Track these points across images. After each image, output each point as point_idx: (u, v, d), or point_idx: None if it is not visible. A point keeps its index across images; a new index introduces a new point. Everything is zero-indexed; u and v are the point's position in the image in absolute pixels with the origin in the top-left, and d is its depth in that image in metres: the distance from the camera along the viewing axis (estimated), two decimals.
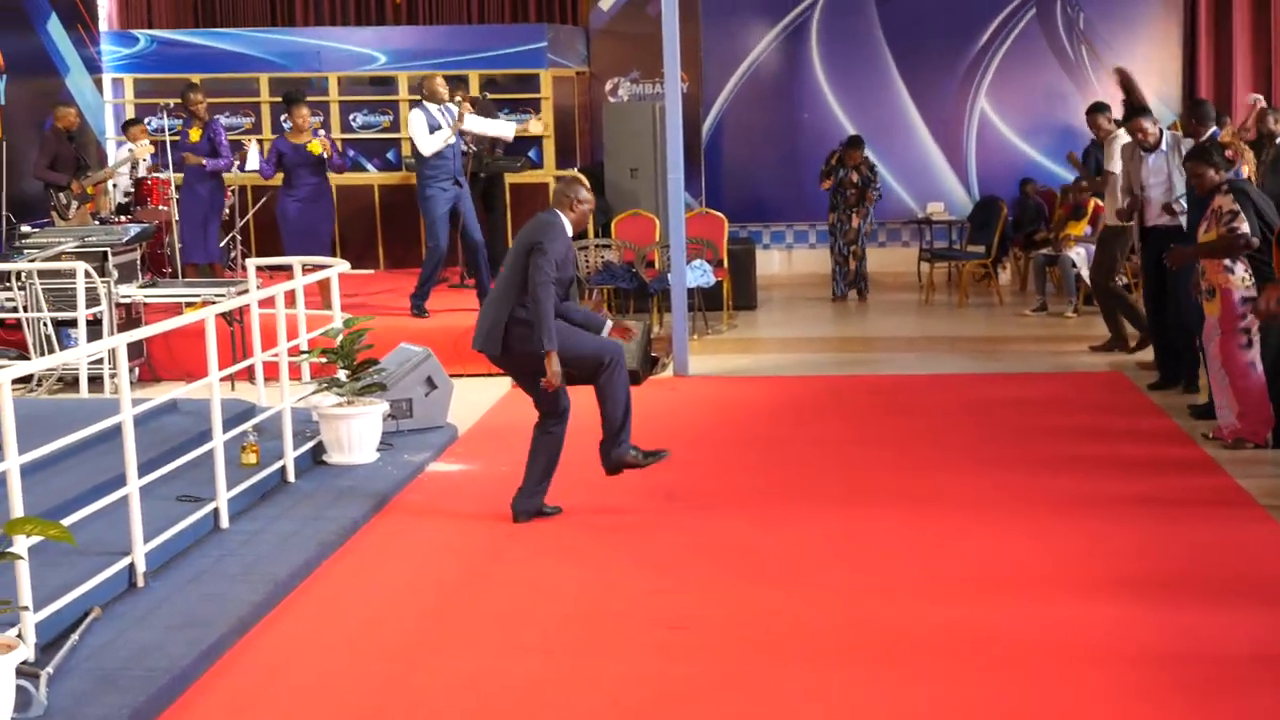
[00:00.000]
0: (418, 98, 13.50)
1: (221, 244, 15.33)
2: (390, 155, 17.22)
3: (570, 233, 8.12)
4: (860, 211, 16.40)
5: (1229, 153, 10.49)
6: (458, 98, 13.77)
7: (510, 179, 16.29)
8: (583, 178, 8.51)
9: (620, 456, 8.21)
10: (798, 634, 6.46)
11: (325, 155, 13.33)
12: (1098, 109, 13.09)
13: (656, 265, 14.90)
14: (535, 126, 14.12)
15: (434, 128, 13.08)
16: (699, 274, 13.92)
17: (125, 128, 16.06)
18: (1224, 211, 9.24)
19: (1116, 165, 12.53)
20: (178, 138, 14.34)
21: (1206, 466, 9.12)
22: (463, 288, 14.42)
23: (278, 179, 13.61)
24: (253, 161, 13.61)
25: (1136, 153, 11.63)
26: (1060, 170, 17.68)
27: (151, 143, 14.94)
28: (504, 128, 13.98)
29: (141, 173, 15.13)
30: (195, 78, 15.90)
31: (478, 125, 13.61)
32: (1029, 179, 17.56)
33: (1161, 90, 17.68)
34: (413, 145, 13.28)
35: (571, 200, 8.16)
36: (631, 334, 8.56)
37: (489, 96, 15.74)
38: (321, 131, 13.55)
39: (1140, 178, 11.52)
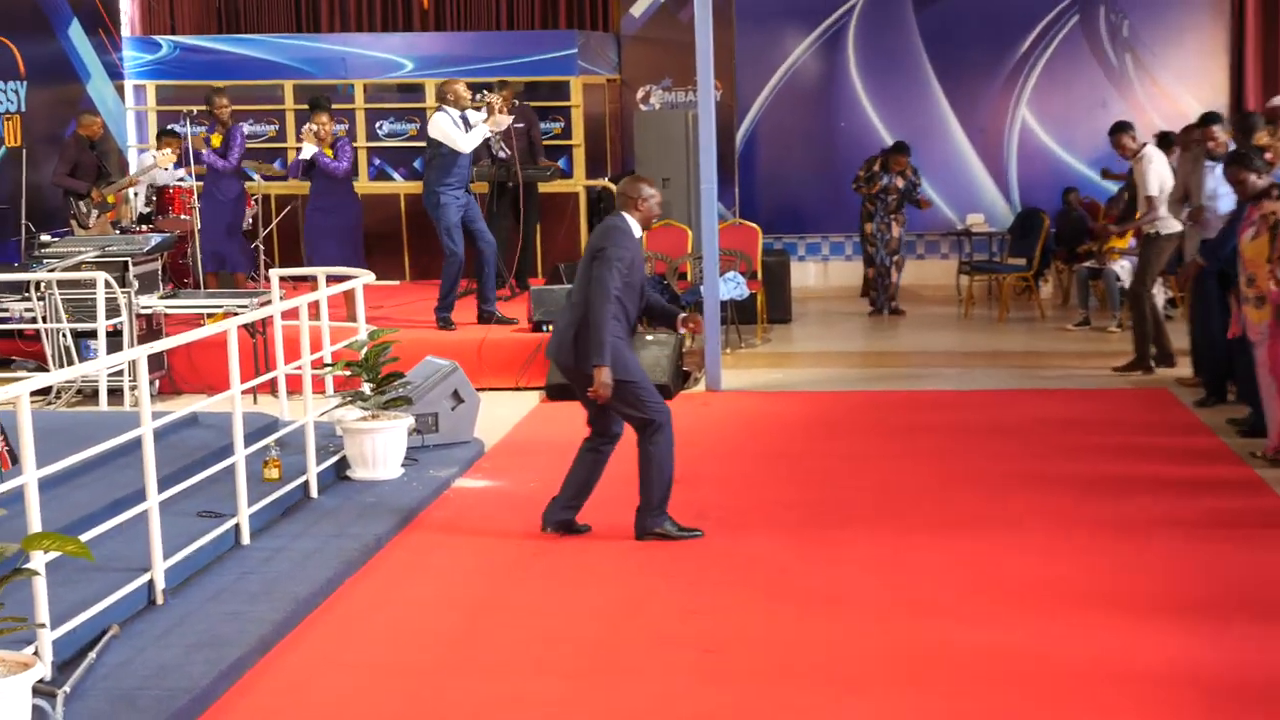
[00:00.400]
0: (439, 105, 13.46)
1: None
2: (417, 164, 17.23)
3: (638, 233, 8.11)
4: (899, 219, 16.36)
5: (1268, 155, 10.43)
6: (481, 95, 13.71)
7: (540, 189, 16.29)
8: (644, 176, 8.44)
9: (654, 527, 8.19)
10: (832, 657, 6.44)
11: (314, 153, 13.33)
12: (1121, 128, 12.95)
13: (689, 277, 14.89)
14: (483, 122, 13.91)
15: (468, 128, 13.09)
16: (732, 286, 13.90)
17: (159, 137, 16.11)
18: None
19: (1154, 187, 12.44)
20: (203, 146, 14.40)
21: (1255, 486, 9.07)
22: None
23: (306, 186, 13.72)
24: (307, 151, 13.58)
25: (1201, 162, 11.55)
26: (1101, 181, 17.58)
27: (175, 152, 14.96)
28: (503, 120, 13.92)
29: (164, 181, 15.19)
30: (219, 84, 15.96)
31: (478, 134, 13.54)
32: (1073, 188, 17.49)
33: (1208, 99, 17.57)
34: (433, 148, 13.22)
35: (635, 199, 8.11)
36: (701, 327, 8.50)
37: (519, 103, 15.75)
38: (314, 128, 13.50)
39: (1206, 188, 11.42)
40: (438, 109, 13.32)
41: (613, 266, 7.85)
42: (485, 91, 13.73)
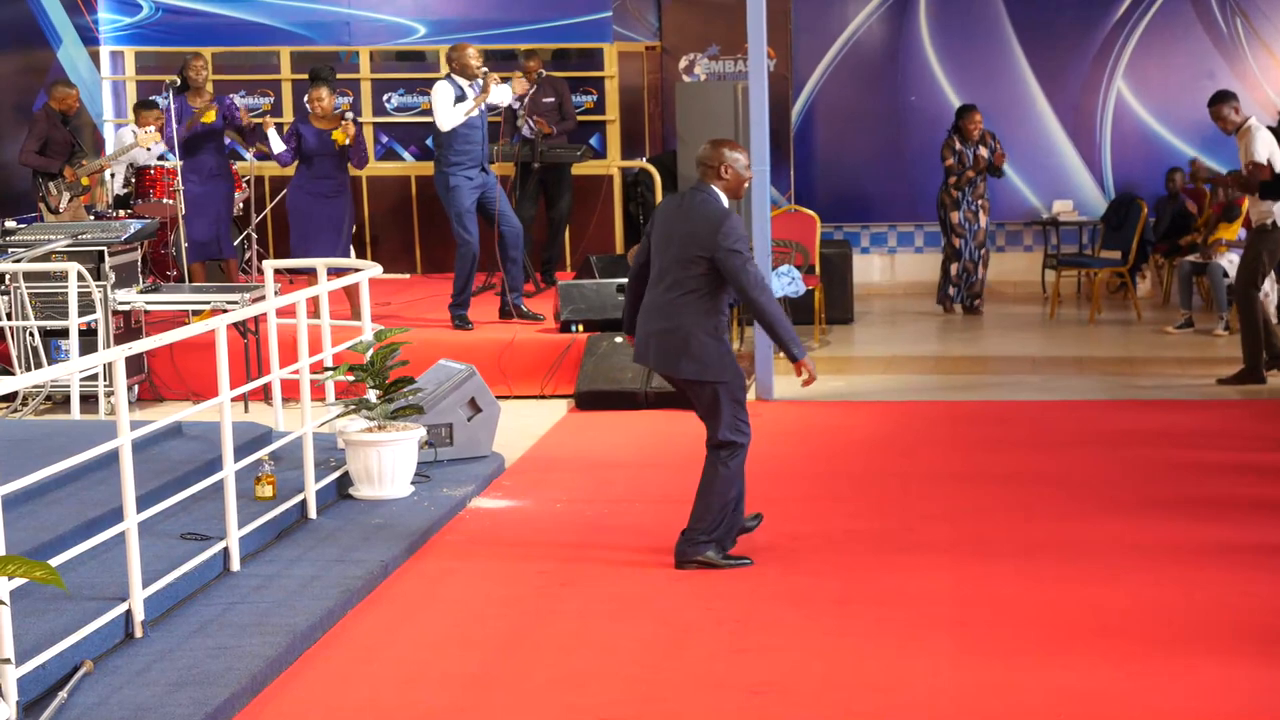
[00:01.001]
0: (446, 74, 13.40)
1: (235, 242, 15.42)
2: (429, 142, 17.30)
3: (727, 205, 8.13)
4: (985, 205, 16.28)
5: None
6: (483, 70, 13.63)
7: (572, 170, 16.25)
8: (726, 139, 8.39)
9: (696, 554, 8.17)
10: (899, 701, 6.43)
11: (348, 143, 13.35)
12: (1222, 98, 12.89)
13: None
14: (516, 87, 13.93)
15: (460, 102, 13.04)
16: (786, 282, 13.91)
17: (137, 110, 16.16)
18: None
19: (1263, 154, 12.42)
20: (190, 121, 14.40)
21: None
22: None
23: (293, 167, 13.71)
24: (275, 145, 13.64)
25: None
26: (1208, 164, 17.45)
27: (159, 129, 15.01)
28: (502, 93, 13.86)
29: (144, 161, 15.24)
30: (206, 51, 16.03)
31: (491, 96, 13.49)
32: (1177, 168, 17.38)
33: None
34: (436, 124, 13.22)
35: (718, 167, 8.06)
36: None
37: (546, 74, 15.76)
38: (350, 115, 13.53)
39: None
40: (445, 77, 13.29)
41: (747, 255, 7.91)
42: (505, 75, 13.66)
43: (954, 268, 16.58)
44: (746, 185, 8.30)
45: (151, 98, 16.25)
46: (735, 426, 8.10)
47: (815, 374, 8.08)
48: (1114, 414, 11.82)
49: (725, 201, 8.08)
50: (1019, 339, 15.21)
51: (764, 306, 7.94)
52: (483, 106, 13.14)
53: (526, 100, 14.55)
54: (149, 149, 15.13)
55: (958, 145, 16.32)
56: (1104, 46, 18.17)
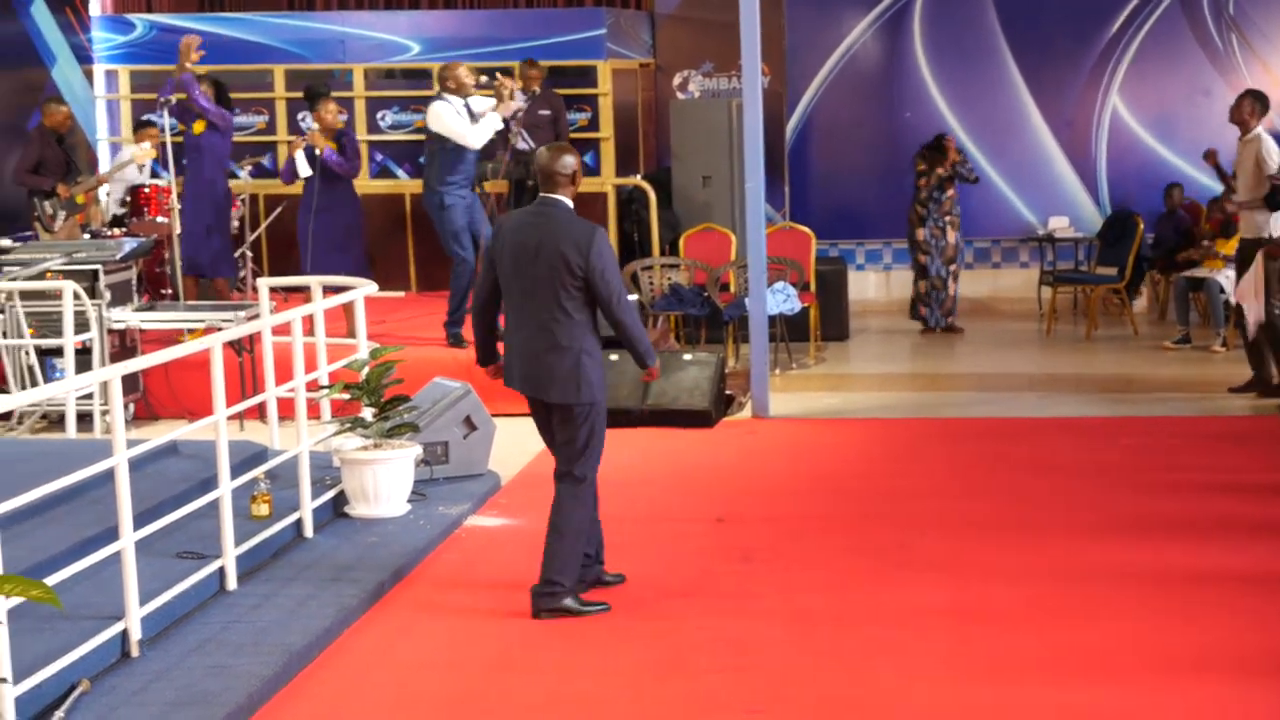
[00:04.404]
0: (438, 93, 13.31)
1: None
2: (423, 159, 17.29)
3: None
4: (954, 220, 16.16)
5: None
6: (495, 77, 13.60)
7: None
8: (565, 145, 8.22)
9: (557, 605, 7.83)
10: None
11: (317, 151, 13.31)
12: (1254, 96, 12.88)
13: (732, 288, 14.92)
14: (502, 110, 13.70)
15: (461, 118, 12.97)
16: (781, 299, 13.92)
17: (137, 129, 16.12)
18: None
19: (1274, 163, 12.42)
20: (180, 138, 14.37)
21: None
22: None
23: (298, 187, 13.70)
24: (303, 169, 13.51)
25: None
26: (1206, 180, 17.50)
27: (154, 146, 15.01)
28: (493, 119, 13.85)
29: (139, 178, 15.23)
30: (201, 69, 16.02)
31: (488, 125, 13.45)
32: (1176, 183, 17.37)
33: None
34: (436, 142, 13.06)
35: (573, 174, 7.87)
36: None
37: (540, 91, 15.77)
38: (314, 126, 13.52)
39: None
40: (437, 97, 13.21)
41: (611, 266, 7.75)
42: (499, 75, 13.58)
43: (922, 285, 16.55)
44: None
45: (145, 116, 16.24)
46: (594, 459, 7.97)
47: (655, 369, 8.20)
48: (1111, 431, 11.81)
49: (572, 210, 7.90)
50: (1015, 356, 15.22)
51: (618, 311, 7.78)
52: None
53: (520, 114, 14.51)
54: (145, 165, 15.11)
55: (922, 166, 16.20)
56: (1099, 62, 18.21)
